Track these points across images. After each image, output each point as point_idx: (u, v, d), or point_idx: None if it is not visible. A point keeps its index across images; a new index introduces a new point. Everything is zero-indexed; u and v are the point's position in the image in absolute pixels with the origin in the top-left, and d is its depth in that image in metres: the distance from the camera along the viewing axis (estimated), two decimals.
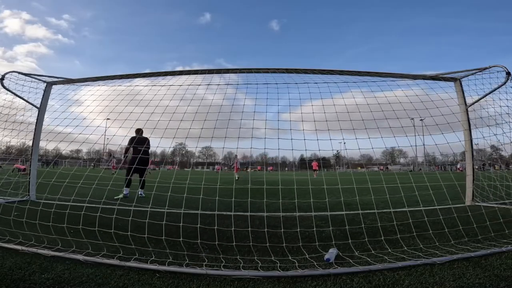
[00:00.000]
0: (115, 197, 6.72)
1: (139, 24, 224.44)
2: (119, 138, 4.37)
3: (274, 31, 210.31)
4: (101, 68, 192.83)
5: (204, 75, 5.11)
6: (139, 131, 7.76)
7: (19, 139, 5.62)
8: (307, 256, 2.62)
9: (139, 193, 7.38)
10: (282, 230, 3.50)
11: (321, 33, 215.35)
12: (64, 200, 4.46)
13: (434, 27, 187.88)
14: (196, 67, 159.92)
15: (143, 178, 7.70)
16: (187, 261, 2.40)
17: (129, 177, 7.41)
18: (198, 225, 2.92)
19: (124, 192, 7.18)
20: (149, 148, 7.74)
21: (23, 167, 18.20)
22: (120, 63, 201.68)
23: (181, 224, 2.99)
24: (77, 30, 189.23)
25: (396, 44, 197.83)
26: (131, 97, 4.78)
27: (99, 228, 3.19)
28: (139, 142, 7.31)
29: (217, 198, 3.96)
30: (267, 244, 2.87)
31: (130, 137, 7.36)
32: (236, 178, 16.94)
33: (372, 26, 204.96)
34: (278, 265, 2.38)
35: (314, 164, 26.75)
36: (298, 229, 3.12)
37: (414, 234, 3.13)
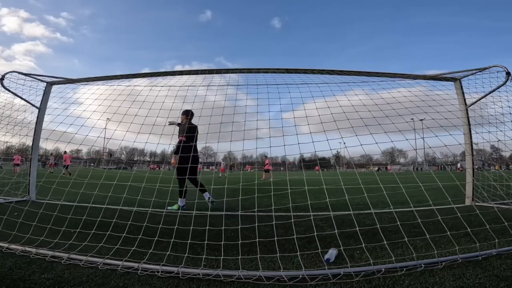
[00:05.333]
0: (168, 208, 5.10)
1: (139, 22, 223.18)
2: (119, 137, 4.36)
3: (276, 29, 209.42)
4: (100, 67, 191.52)
5: (205, 75, 5.11)
6: (189, 114, 5.62)
7: (19, 139, 5.61)
8: (307, 256, 2.63)
9: (207, 198, 5.43)
10: (282, 230, 3.50)
11: (322, 31, 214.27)
12: (64, 201, 4.46)
13: (436, 26, 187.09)
14: (195, 66, 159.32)
15: (197, 179, 5.48)
16: (187, 262, 2.40)
17: (184, 180, 5.29)
18: (212, 226, 2.92)
19: (180, 204, 5.36)
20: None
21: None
22: (119, 61, 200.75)
23: (176, 224, 2.98)
24: (76, 29, 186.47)
25: (399, 43, 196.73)
26: (131, 97, 4.79)
27: (99, 228, 3.19)
28: (189, 131, 5.19)
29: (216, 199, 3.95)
30: (265, 246, 2.88)
31: (179, 125, 5.56)
32: (220, 176, 21.96)
33: (375, 25, 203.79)
34: (278, 265, 2.39)
35: (267, 162, 20.83)
36: (296, 229, 3.13)
37: (415, 234, 3.13)
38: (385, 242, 2.93)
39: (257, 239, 2.82)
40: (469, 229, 3.13)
